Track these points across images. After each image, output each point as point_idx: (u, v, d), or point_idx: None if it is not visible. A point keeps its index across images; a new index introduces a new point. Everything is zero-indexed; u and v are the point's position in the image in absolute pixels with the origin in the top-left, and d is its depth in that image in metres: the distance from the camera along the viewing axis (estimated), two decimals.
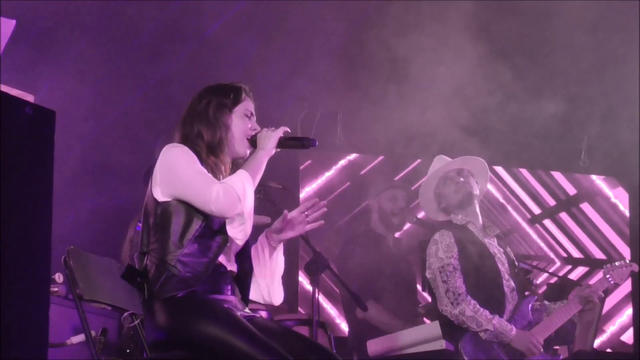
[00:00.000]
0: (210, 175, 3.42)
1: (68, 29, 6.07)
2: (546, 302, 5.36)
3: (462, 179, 5.33)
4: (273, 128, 3.58)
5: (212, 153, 3.51)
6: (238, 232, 3.42)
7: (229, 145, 3.58)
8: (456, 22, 6.11)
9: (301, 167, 7.42)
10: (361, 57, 6.64)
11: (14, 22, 4.73)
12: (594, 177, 8.01)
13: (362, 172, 7.55)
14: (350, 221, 7.41)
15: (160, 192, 3.44)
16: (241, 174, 3.43)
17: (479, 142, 5.98)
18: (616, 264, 5.45)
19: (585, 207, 8.00)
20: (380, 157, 7.59)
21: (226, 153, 3.56)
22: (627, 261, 5.48)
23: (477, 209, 5.35)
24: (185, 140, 3.53)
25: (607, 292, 5.53)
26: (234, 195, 3.34)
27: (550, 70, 6.83)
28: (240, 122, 3.60)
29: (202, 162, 3.46)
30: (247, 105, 3.64)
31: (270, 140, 3.54)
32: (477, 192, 5.36)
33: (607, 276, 5.38)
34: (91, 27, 6.17)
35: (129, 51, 6.41)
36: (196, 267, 3.37)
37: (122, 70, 6.47)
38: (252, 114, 3.65)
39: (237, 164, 3.62)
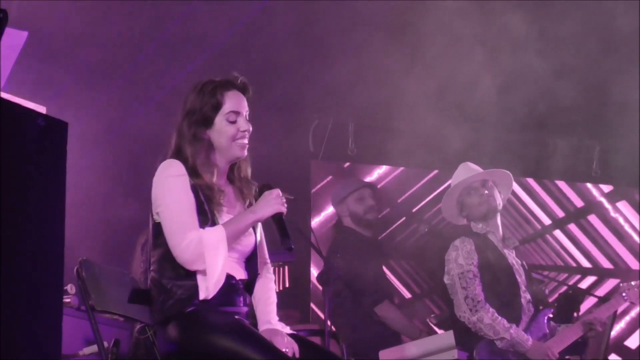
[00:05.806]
0: (192, 218, 3.38)
1: (77, 37, 6.08)
2: (552, 323, 5.32)
3: (486, 192, 5.24)
4: (284, 198, 3.50)
5: (195, 176, 3.45)
6: (202, 285, 3.38)
7: (215, 158, 3.53)
8: (466, 31, 6.12)
9: (312, 177, 7.40)
10: (372, 64, 6.63)
11: (25, 33, 4.75)
12: (603, 187, 7.99)
13: (379, 184, 7.54)
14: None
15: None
16: (220, 233, 3.37)
17: (495, 153, 5.96)
18: (632, 283, 5.41)
19: (593, 218, 7.98)
20: (388, 168, 7.59)
21: (208, 178, 3.48)
22: None
23: (499, 221, 5.30)
24: (178, 157, 3.49)
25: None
26: (200, 253, 3.32)
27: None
28: (226, 128, 3.50)
29: (193, 185, 3.43)
30: (230, 105, 3.52)
31: (267, 209, 3.45)
32: (500, 204, 5.30)
33: (624, 294, 5.33)
34: (100, 36, 6.18)
35: (142, 59, 6.42)
36: (191, 289, 3.37)
37: (135, 78, 6.48)
38: (237, 112, 3.52)
39: (237, 163, 3.59)
